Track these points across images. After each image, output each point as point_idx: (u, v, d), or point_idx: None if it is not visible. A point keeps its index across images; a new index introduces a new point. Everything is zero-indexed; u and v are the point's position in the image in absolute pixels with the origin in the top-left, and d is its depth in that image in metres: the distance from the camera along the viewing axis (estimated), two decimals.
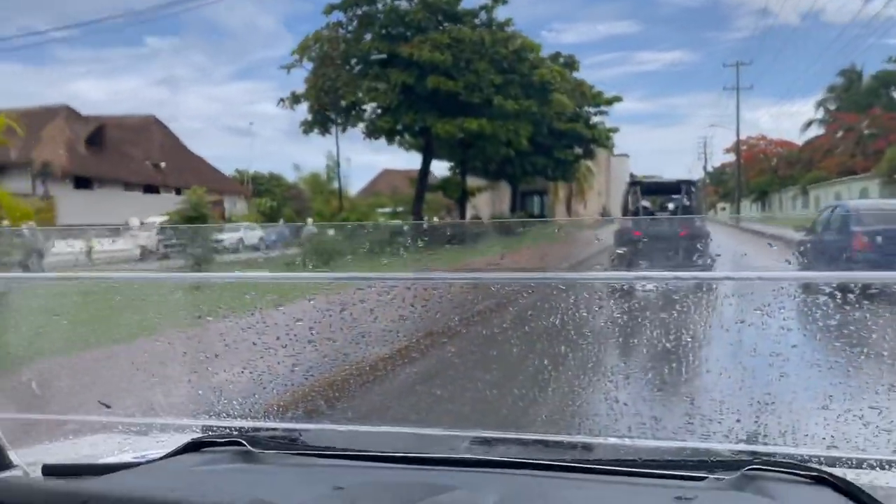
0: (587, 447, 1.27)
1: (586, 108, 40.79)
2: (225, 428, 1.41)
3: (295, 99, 32.02)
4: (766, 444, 1.17)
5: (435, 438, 1.36)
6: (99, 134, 39.25)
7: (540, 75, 32.18)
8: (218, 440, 1.22)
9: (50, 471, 1.15)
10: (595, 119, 42.04)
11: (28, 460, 1.29)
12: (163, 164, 42.68)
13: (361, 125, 33.13)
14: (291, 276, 1.32)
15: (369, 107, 32.97)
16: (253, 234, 30.85)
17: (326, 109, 32.37)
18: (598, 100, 41.22)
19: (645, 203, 18.23)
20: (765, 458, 1.05)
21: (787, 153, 53.24)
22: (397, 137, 34.66)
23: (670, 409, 1.31)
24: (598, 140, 41.24)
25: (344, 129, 33.79)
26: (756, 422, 1.24)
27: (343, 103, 31.77)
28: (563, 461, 1.10)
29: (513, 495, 0.78)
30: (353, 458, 1.16)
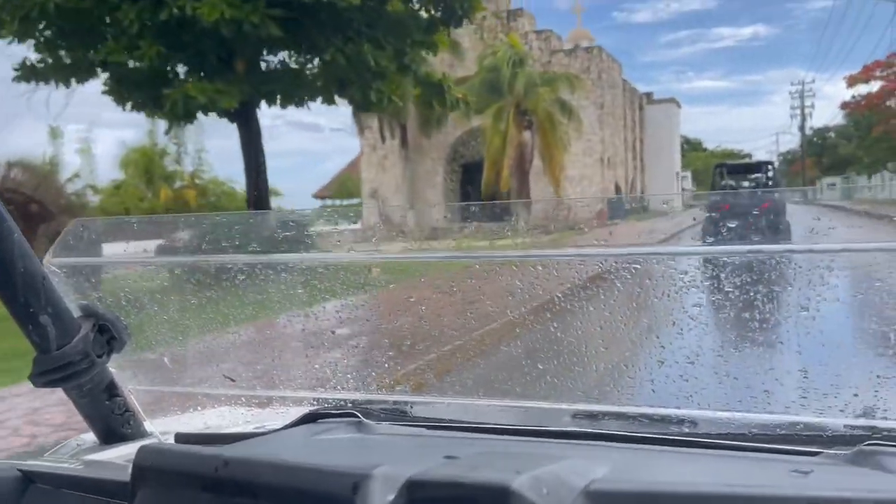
0: (694, 421, 1.26)
1: None
2: (339, 400, 1.47)
3: None
4: (885, 418, 1.13)
5: (540, 411, 1.38)
6: None
7: None
8: (333, 412, 1.28)
9: (182, 439, 1.24)
10: None
11: (161, 429, 1.40)
12: None
13: None
14: (398, 256, 1.37)
15: None
16: None
17: None
18: None
19: (731, 182, 22.81)
20: (884, 433, 1.01)
21: None
22: None
23: (782, 383, 1.28)
24: None
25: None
26: (875, 395, 1.19)
27: None
28: (671, 434, 1.09)
29: (621, 468, 0.79)
30: (462, 430, 1.20)
